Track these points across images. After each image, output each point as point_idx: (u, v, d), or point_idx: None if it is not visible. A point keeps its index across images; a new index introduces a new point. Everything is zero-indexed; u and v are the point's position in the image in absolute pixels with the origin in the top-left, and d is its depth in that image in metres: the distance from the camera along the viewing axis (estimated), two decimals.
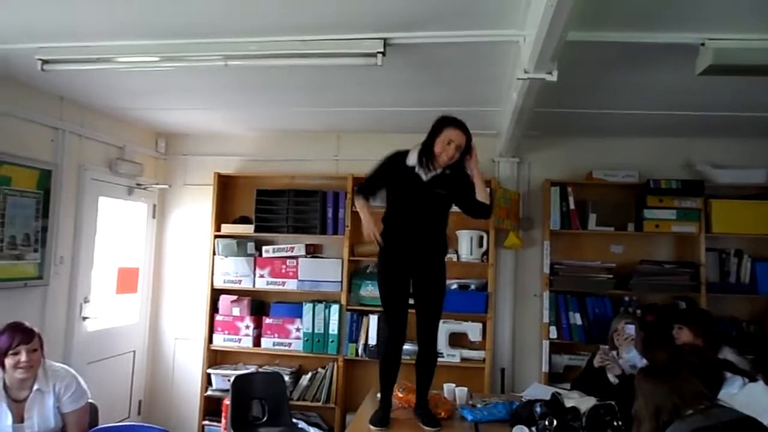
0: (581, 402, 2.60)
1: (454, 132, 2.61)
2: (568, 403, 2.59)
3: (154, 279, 4.82)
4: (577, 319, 4.05)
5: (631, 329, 3.28)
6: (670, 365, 2.22)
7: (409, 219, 2.74)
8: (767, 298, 3.94)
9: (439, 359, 3.14)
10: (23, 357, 2.49)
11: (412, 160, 2.69)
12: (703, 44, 2.37)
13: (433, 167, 2.67)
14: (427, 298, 2.79)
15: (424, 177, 2.68)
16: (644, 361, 3.21)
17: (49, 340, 3.56)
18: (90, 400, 2.78)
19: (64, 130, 3.80)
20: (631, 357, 3.22)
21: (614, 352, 3.26)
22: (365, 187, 2.79)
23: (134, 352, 4.61)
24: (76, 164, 3.95)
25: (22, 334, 2.52)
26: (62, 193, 3.79)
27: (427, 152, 2.65)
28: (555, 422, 2.45)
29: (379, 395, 2.95)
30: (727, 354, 3.11)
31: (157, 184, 4.81)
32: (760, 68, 2.43)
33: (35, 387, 2.56)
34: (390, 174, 2.75)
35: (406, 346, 2.82)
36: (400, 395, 2.97)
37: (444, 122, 2.65)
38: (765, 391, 2.36)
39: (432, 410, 2.83)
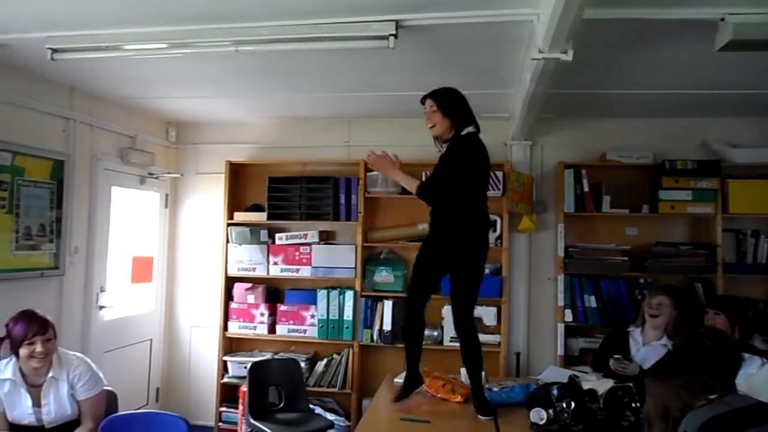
0: (599, 384, 2.59)
1: (425, 104, 2.80)
2: (586, 386, 2.58)
3: (169, 268, 4.85)
4: (591, 302, 4.02)
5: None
6: (687, 348, 2.21)
7: None
8: None
9: (455, 344, 3.13)
10: (39, 347, 2.53)
11: None
12: (722, 19, 2.30)
13: (439, 143, 2.84)
14: (452, 280, 2.77)
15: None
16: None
17: (67, 330, 3.63)
18: (109, 388, 2.81)
19: (75, 120, 3.81)
20: (644, 355, 3.23)
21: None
22: None
23: (151, 340, 4.66)
24: (89, 154, 3.96)
25: (37, 325, 2.55)
26: (75, 183, 3.80)
27: None
28: (573, 404, 2.44)
29: (395, 380, 2.95)
30: (757, 341, 3.11)
31: (169, 173, 4.82)
32: None
33: (50, 374, 2.60)
34: None
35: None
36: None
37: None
38: None
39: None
